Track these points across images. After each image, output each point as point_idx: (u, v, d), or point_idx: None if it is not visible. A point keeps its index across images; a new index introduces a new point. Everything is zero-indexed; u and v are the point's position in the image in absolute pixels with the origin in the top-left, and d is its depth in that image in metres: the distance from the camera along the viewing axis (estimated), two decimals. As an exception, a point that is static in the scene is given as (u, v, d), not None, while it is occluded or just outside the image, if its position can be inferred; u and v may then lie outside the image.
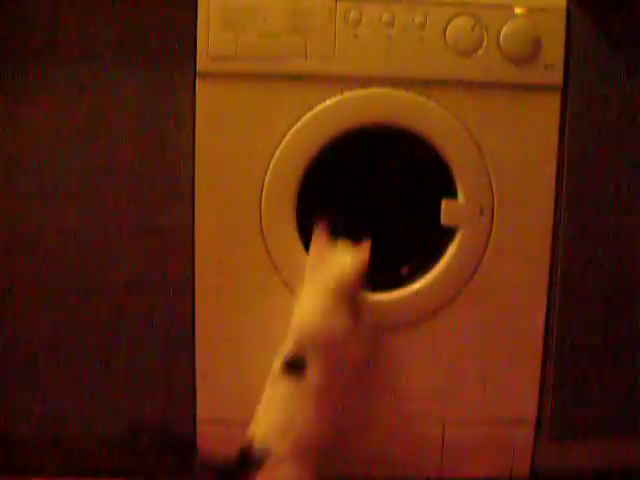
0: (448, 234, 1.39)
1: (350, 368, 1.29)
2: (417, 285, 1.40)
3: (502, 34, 1.33)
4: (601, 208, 1.40)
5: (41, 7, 1.32)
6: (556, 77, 1.35)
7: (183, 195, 1.36)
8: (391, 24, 1.33)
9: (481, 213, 1.38)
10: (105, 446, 1.44)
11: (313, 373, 1.23)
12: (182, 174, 1.35)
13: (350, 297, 1.28)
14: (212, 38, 1.31)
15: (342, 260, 1.29)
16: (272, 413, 1.23)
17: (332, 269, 1.28)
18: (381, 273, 1.38)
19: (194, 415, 1.42)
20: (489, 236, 1.39)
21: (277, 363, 1.26)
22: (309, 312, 1.27)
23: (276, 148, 1.34)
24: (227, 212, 1.36)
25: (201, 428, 1.42)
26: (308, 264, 1.32)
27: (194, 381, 1.40)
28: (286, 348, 1.26)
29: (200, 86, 1.33)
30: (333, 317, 1.26)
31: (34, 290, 1.38)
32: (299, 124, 1.34)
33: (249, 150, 1.35)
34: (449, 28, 1.33)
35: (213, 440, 1.39)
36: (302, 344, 1.25)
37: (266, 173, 1.35)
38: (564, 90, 1.36)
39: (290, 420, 1.21)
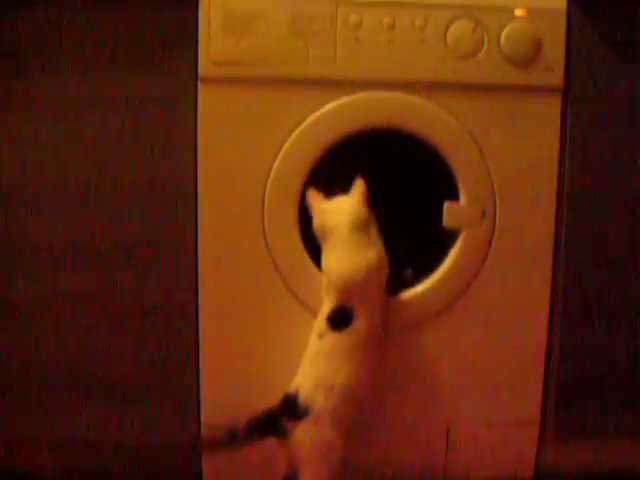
0: (450, 236, 1.39)
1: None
2: (420, 287, 1.40)
3: (502, 36, 1.33)
4: (604, 209, 1.40)
5: (44, 12, 1.31)
6: (557, 79, 1.35)
7: (186, 200, 1.36)
8: (392, 27, 1.33)
9: (483, 215, 1.38)
10: (108, 452, 1.44)
11: (359, 321, 1.26)
12: (185, 179, 1.35)
13: (366, 230, 1.31)
14: (214, 43, 1.31)
15: (343, 202, 1.33)
16: (317, 369, 1.26)
17: (339, 215, 1.31)
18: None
19: (198, 420, 1.41)
20: (491, 238, 1.39)
21: (319, 320, 1.29)
22: (341, 259, 1.30)
23: (278, 152, 1.34)
24: (230, 216, 1.36)
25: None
26: (316, 228, 1.33)
27: (198, 387, 1.40)
28: (326, 306, 1.29)
29: (202, 91, 1.33)
30: (364, 252, 1.29)
31: (40, 300, 1.38)
32: (301, 128, 1.34)
33: (251, 154, 1.35)
34: (449, 31, 1.33)
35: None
36: (345, 290, 1.28)
37: (268, 177, 1.35)
38: (565, 91, 1.37)
39: (334, 374, 1.25)
